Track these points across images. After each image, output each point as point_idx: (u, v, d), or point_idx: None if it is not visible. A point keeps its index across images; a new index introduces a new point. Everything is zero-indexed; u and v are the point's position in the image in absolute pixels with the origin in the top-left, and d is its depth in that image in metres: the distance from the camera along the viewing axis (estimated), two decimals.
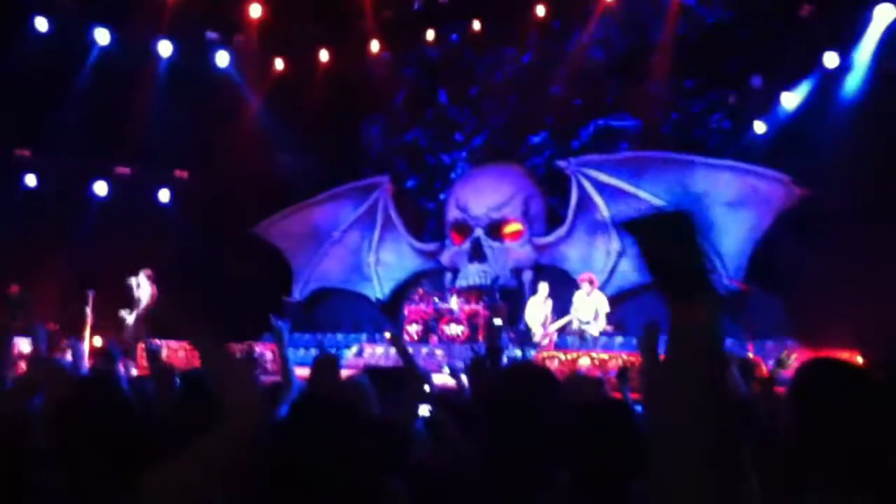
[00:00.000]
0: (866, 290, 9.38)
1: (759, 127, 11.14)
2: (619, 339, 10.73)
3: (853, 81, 10.14)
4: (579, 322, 10.98)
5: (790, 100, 10.58)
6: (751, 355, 8.62)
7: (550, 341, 10.80)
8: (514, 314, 11.82)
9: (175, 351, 10.14)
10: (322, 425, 1.83)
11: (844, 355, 8.65)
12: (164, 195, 13.87)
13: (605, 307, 10.98)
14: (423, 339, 11.44)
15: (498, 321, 10.94)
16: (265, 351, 9.85)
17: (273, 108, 14.12)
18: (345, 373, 7.53)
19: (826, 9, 10.49)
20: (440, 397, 6.48)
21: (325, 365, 4.13)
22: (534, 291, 11.83)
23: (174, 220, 13.67)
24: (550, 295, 11.39)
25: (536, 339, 10.96)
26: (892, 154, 9.50)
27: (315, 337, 12.35)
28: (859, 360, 8.68)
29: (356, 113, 15.40)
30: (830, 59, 10.09)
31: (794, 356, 8.69)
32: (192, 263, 12.09)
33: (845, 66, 10.15)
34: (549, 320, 11.11)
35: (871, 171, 9.69)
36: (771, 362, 9.23)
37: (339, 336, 12.53)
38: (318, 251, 14.13)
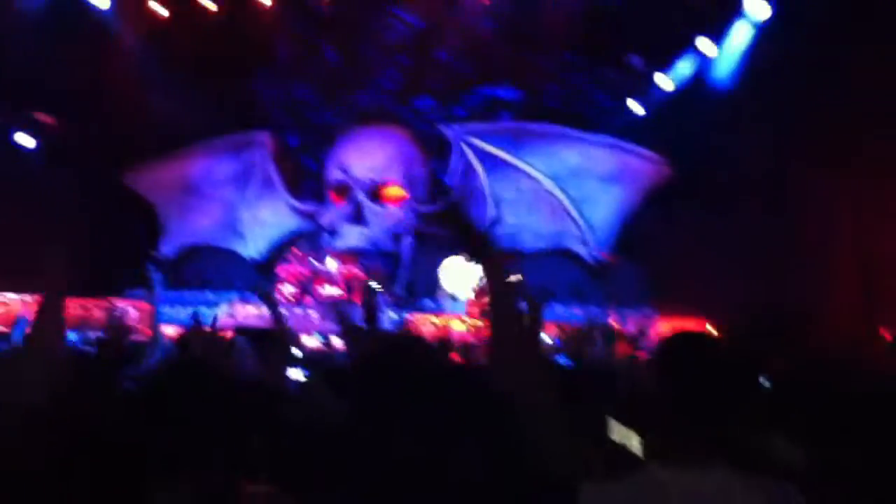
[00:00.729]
0: (720, 265, 10.00)
1: (634, 106, 11.54)
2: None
3: (724, 67, 10.65)
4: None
5: (665, 81, 11.00)
6: (613, 322, 9.05)
7: (481, 307, 10.51)
8: (393, 278, 11.86)
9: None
10: (184, 384, 1.86)
11: (698, 324, 9.23)
12: (28, 140, 12.95)
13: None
14: (298, 300, 11.31)
15: (375, 284, 10.94)
16: (128, 307, 9.45)
17: (153, 55, 13.35)
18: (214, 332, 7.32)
19: None
20: (311, 359, 6.46)
21: (195, 330, 4.03)
22: (413, 256, 11.90)
23: (39, 166, 12.80)
24: (428, 261, 11.40)
25: (461, 303, 10.60)
26: (750, 140, 10.08)
27: (183, 295, 11.97)
28: (710, 328, 9.28)
29: (241, 65, 14.84)
30: (705, 45, 10.54)
31: (651, 325, 9.22)
32: (57, 212, 11.40)
33: (718, 53, 10.62)
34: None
35: (734, 155, 10.28)
36: (631, 329, 9.76)
37: (210, 295, 12.20)
38: (191, 205, 13.61)
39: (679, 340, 1.83)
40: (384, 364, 1.81)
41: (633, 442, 2.26)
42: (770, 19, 9.89)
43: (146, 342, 4.20)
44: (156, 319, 3.85)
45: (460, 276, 10.87)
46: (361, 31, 14.36)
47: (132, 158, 13.35)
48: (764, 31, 10.08)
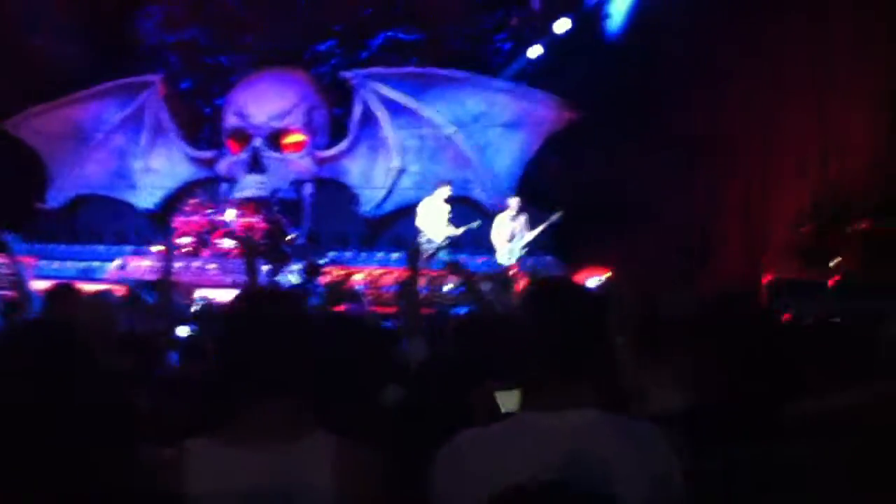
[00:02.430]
0: (620, 213, 10.22)
1: (535, 50, 11.51)
2: (395, 255, 10.94)
3: (619, 11, 10.72)
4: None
5: (562, 25, 11.00)
6: (511, 272, 9.15)
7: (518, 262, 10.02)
8: (295, 227, 11.61)
9: None
10: (41, 343, 1.83)
11: (601, 272, 9.43)
12: None
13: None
14: (195, 252, 10.95)
15: (291, 236, 10.76)
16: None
17: None
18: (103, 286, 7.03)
19: None
20: (201, 313, 6.27)
21: (59, 292, 3.81)
22: (314, 204, 11.64)
23: None
24: (329, 210, 11.17)
25: (501, 258, 9.99)
26: (650, 83, 10.24)
27: (73, 248, 11.42)
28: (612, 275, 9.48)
29: (129, 4, 14.02)
30: None
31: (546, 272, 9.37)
32: None
33: None
34: (517, 237, 10.03)
35: (632, 99, 10.43)
36: (529, 276, 9.90)
37: (101, 248, 11.68)
38: (79, 153, 12.90)
39: (540, 286, 1.84)
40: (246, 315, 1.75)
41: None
42: None
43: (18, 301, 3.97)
44: (22, 279, 3.59)
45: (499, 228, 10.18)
46: None
47: (12, 105, 12.52)
48: None
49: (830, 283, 7.32)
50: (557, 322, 1.63)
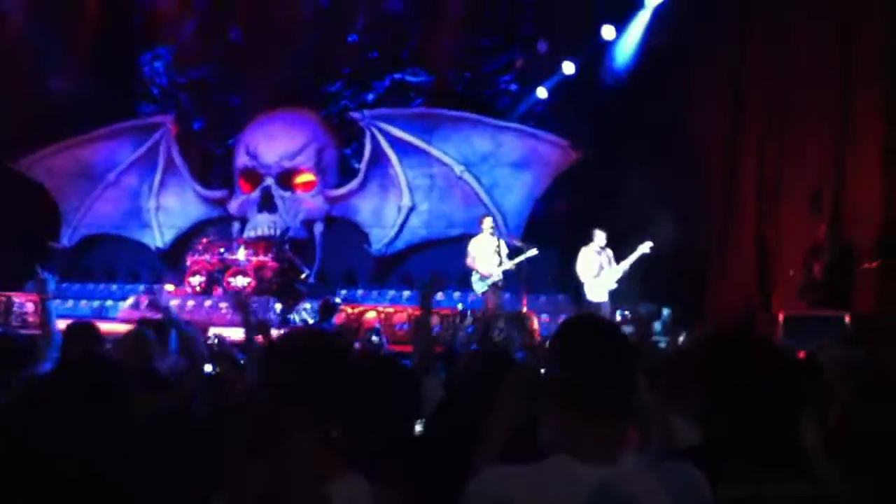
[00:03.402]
0: (625, 249, 10.26)
1: (542, 92, 11.69)
2: (406, 294, 10.99)
3: (626, 53, 10.89)
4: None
5: (569, 67, 11.18)
6: (524, 309, 9.17)
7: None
8: (306, 266, 11.68)
9: None
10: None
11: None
12: None
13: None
14: (207, 290, 11.02)
15: (304, 274, 10.81)
16: (26, 302, 9.02)
17: (42, 28, 12.63)
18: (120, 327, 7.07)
19: None
20: (218, 353, 6.30)
21: (78, 329, 3.85)
22: (324, 243, 11.65)
23: None
24: (339, 248, 11.13)
25: (590, 294, 9.58)
26: (657, 122, 10.37)
27: (86, 287, 11.49)
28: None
29: (140, 42, 14.28)
30: (608, 31, 10.74)
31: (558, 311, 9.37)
32: None
33: (620, 38, 10.85)
34: (603, 272, 9.56)
35: (638, 139, 10.55)
36: (545, 316, 9.93)
37: (115, 287, 11.76)
38: (92, 193, 13.08)
39: (572, 325, 1.81)
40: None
41: None
42: (664, 4, 10.18)
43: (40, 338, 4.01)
44: (48, 318, 3.65)
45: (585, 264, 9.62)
46: (268, 11, 13.99)
47: (24, 144, 12.70)
48: (660, 16, 10.37)
49: (847, 318, 7.36)
50: (596, 362, 1.60)
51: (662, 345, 7.17)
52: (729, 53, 9.95)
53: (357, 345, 7.36)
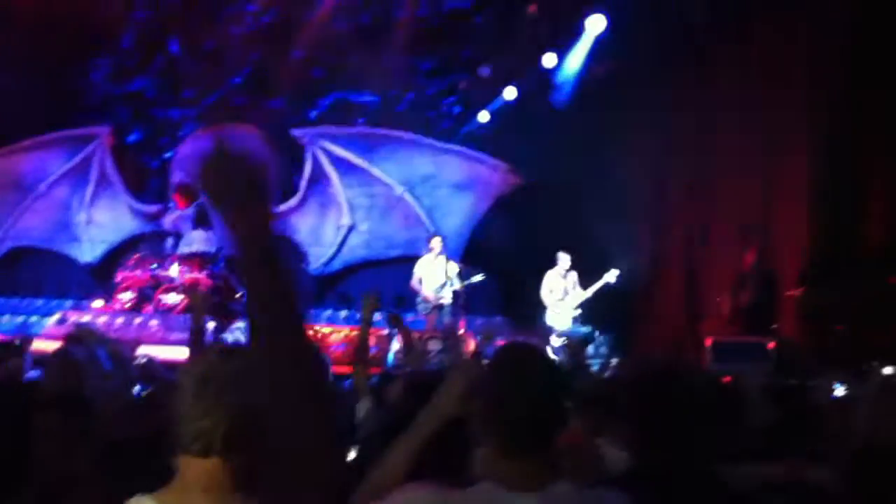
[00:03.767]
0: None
1: (484, 115, 11.84)
2: (343, 313, 10.91)
3: (566, 81, 11.11)
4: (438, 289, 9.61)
5: (511, 92, 11.35)
6: (462, 331, 9.21)
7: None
8: (242, 284, 11.50)
9: None
10: None
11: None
12: None
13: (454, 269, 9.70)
14: (137, 307, 10.74)
15: (240, 293, 10.60)
16: None
17: None
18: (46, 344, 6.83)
19: (549, 10, 11.35)
20: (148, 373, 6.15)
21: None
22: None
23: None
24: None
25: (550, 319, 9.53)
26: (595, 150, 10.60)
27: (10, 302, 11.07)
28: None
29: (76, 52, 13.93)
30: (549, 59, 10.94)
31: (495, 333, 9.45)
32: None
33: (561, 66, 11.06)
34: (568, 297, 9.60)
35: (577, 164, 10.76)
36: (479, 337, 9.97)
37: (40, 302, 11.36)
38: (19, 205, 12.64)
39: (501, 355, 1.82)
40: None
41: None
42: (606, 33, 10.42)
43: None
44: None
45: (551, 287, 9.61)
46: (209, 25, 13.83)
47: None
48: (601, 45, 10.61)
49: (770, 346, 7.59)
50: (529, 392, 1.59)
51: (595, 368, 7.30)
52: (662, 91, 10.25)
53: None
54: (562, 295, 9.49)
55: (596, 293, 9.62)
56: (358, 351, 4.15)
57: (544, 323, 9.53)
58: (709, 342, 7.96)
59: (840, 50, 8.27)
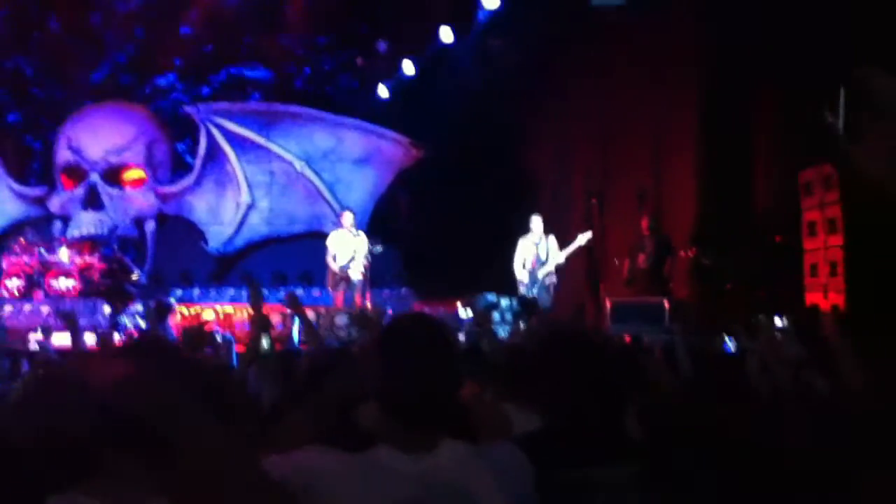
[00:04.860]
0: (467, 245, 10.55)
1: (383, 90, 11.76)
2: (230, 292, 10.74)
3: (463, 55, 11.14)
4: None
5: (409, 67, 11.30)
6: (368, 304, 9.20)
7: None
8: (137, 266, 11.09)
9: None
10: None
11: (451, 305, 9.66)
12: None
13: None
14: (27, 294, 10.21)
15: (134, 274, 10.21)
16: None
17: None
18: None
19: None
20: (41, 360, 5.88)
21: None
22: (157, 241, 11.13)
23: None
24: (173, 247, 10.62)
25: (523, 287, 9.00)
26: (494, 123, 10.72)
27: None
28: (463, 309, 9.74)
29: None
30: (446, 34, 10.92)
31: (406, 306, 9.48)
32: None
33: (458, 41, 11.07)
34: (540, 267, 9.03)
35: (478, 139, 10.87)
36: (389, 310, 9.98)
37: None
38: None
39: (394, 325, 1.82)
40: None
41: None
42: (503, 7, 10.49)
43: None
44: None
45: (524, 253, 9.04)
46: (89, 1, 13.12)
47: None
48: (498, 19, 10.68)
49: (666, 304, 7.93)
50: (415, 364, 1.60)
51: (503, 334, 7.45)
52: (559, 65, 10.44)
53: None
54: (535, 265, 8.95)
55: (501, 258, 9.70)
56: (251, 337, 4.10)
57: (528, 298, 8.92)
58: (608, 304, 8.24)
59: (726, 36, 8.63)
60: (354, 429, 2.14)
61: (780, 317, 6.70)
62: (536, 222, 9.06)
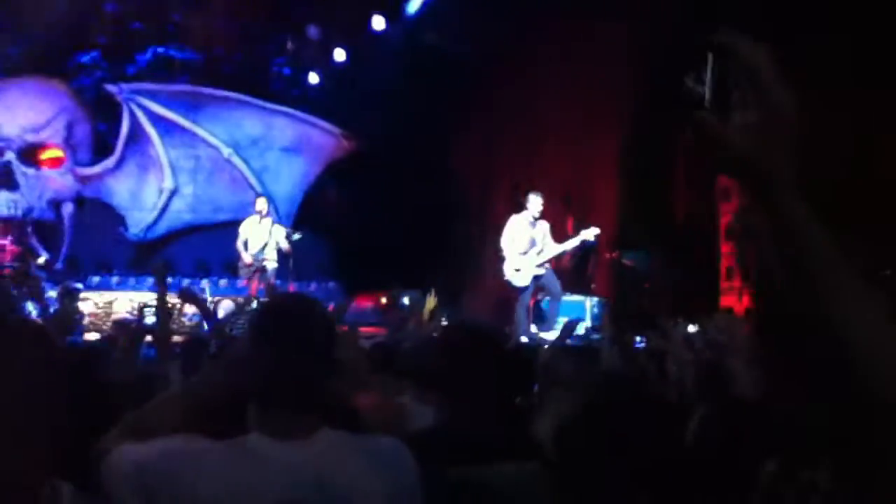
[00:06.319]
0: (396, 238, 10.50)
1: (313, 77, 11.59)
2: (168, 281, 10.44)
3: (397, 44, 11.08)
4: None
5: (341, 54, 11.17)
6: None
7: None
8: (52, 250, 10.69)
9: None
10: None
11: (380, 297, 9.61)
12: None
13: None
14: None
15: (42, 258, 9.81)
16: None
17: None
18: None
19: None
20: None
21: None
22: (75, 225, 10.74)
23: None
24: (92, 231, 10.29)
25: (510, 274, 7.98)
26: (424, 114, 10.68)
27: None
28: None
29: None
30: (378, 22, 10.84)
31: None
32: None
33: (390, 29, 10.99)
34: (533, 250, 8.02)
35: (409, 130, 10.80)
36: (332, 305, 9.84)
37: None
38: None
39: (269, 307, 1.80)
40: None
41: None
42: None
43: None
44: None
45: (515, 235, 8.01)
46: None
47: None
48: (430, 9, 10.65)
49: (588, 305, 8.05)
50: (286, 349, 1.56)
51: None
52: (491, 61, 10.46)
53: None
54: (527, 246, 7.95)
55: (431, 254, 9.68)
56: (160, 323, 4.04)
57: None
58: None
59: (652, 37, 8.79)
60: (235, 419, 2.09)
61: (694, 319, 6.86)
62: (534, 201, 8.03)
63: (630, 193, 9.05)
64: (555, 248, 8.02)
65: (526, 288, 7.83)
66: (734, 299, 7.64)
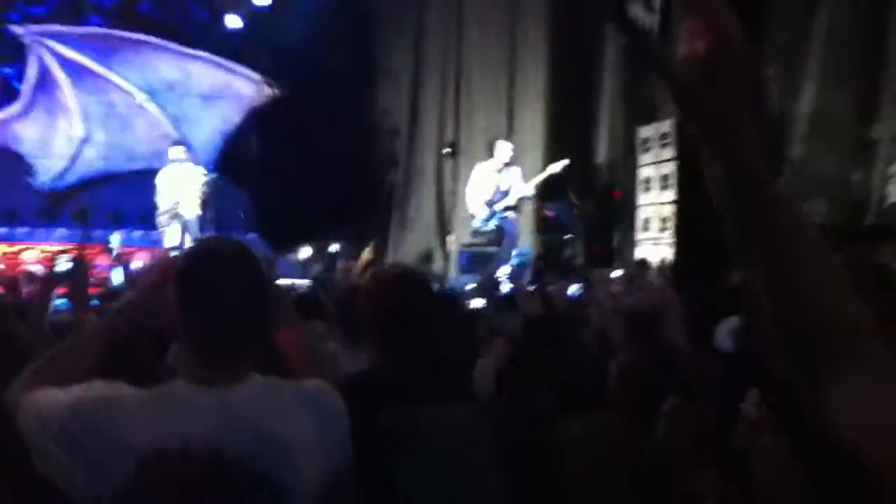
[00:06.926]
0: (319, 190, 10.39)
1: (233, 21, 11.21)
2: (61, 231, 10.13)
3: None
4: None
5: None
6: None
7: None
8: None
9: None
10: None
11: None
12: None
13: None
14: None
15: None
16: None
17: None
18: None
19: None
20: None
21: None
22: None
23: None
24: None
25: (476, 222, 8.08)
26: (350, 63, 10.50)
27: None
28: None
29: None
30: None
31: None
32: None
33: None
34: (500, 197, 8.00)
35: (332, 80, 10.61)
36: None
37: None
38: None
39: (204, 247, 1.76)
40: None
41: None
42: None
43: None
44: None
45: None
46: None
47: None
48: None
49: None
50: (211, 293, 1.52)
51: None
52: (417, 9, 10.33)
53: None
54: (493, 194, 8.00)
55: (354, 203, 9.60)
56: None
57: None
58: (456, 250, 8.38)
59: None
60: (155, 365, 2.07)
61: (615, 269, 7.05)
62: (503, 147, 8.02)
63: (555, 142, 9.16)
64: (523, 189, 8.02)
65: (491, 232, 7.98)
66: (650, 249, 7.86)
